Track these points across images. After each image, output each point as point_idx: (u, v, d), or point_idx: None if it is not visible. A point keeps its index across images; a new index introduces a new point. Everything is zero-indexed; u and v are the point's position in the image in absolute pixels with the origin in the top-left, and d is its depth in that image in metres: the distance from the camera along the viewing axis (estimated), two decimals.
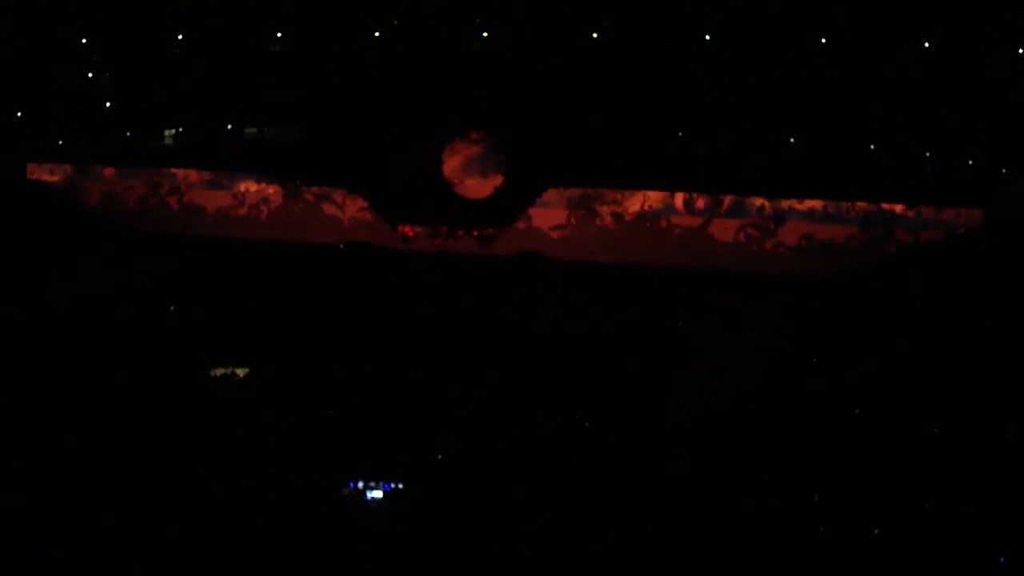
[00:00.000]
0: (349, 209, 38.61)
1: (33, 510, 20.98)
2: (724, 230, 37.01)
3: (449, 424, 25.11)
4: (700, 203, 37.08)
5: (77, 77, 40.42)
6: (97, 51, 40.40)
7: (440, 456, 24.03)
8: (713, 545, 20.48)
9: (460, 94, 37.39)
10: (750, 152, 37.34)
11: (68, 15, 39.82)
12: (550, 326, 31.60)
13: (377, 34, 38.70)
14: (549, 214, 37.72)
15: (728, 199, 36.90)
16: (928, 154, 37.19)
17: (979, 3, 36.08)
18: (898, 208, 35.99)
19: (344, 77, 38.26)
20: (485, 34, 38.51)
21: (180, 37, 39.80)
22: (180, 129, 40.84)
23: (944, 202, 35.68)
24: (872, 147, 37.12)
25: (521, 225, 37.68)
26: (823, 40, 37.19)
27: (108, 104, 40.33)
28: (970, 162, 36.81)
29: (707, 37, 37.57)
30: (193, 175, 39.73)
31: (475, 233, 37.40)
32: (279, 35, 39.77)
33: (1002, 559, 19.74)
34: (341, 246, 37.36)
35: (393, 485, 22.76)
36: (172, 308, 32.61)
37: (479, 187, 37.50)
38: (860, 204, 36.18)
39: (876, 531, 20.90)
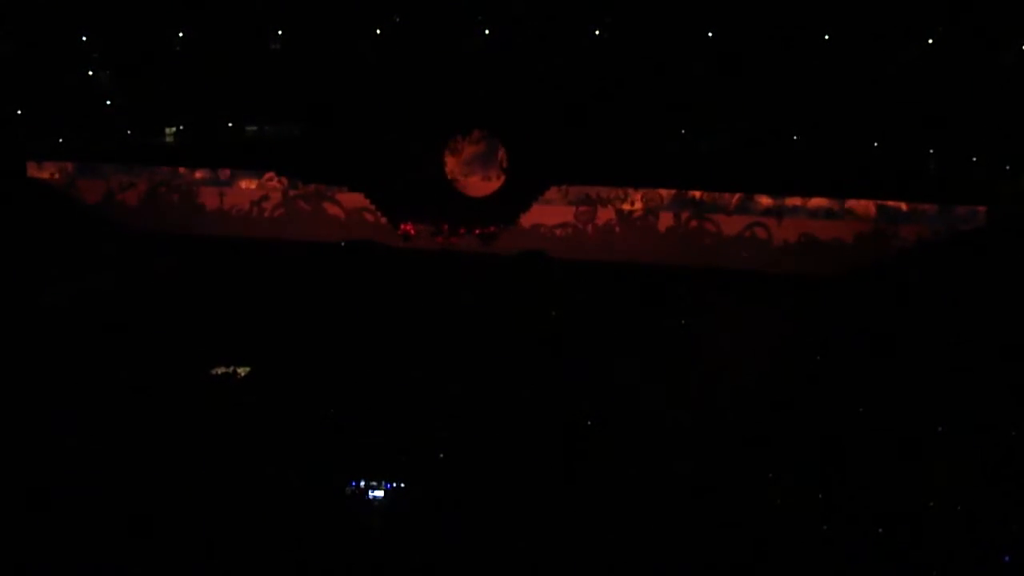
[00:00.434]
0: (350, 207, 38.56)
1: (33, 510, 20.98)
2: (726, 228, 36.98)
3: (451, 423, 25.10)
4: (702, 201, 37.01)
5: (77, 75, 40.37)
6: (97, 49, 40.36)
7: (442, 455, 24.02)
8: (715, 544, 20.48)
9: (462, 92, 37.36)
10: (752, 150, 37.30)
11: (68, 13, 39.76)
12: (552, 324, 31.58)
13: (379, 32, 38.65)
14: (551, 212, 37.68)
15: (730, 197, 36.85)
16: (932, 151, 37.12)
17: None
18: (902, 206, 35.94)
19: (346, 75, 38.23)
20: (487, 32, 38.47)
21: (181, 35, 39.77)
22: (181, 127, 40.79)
23: (948, 200, 35.62)
24: (875, 144, 37.06)
25: (523, 223, 37.64)
26: (825, 37, 37.13)
27: (108, 102, 40.28)
28: (974, 159, 36.75)
29: (709, 35, 37.51)
30: (194, 173, 39.68)
31: (477, 231, 37.37)
32: (280, 33, 39.73)
33: (1007, 558, 19.72)
34: (342, 244, 37.32)
35: (394, 484, 22.75)
36: (173, 307, 32.59)
37: (481, 185, 37.48)
38: (863, 202, 36.13)
39: (880, 530, 20.88)
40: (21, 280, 33.32)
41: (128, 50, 39.97)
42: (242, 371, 28.27)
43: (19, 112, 39.87)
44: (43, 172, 39.97)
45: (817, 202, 36.45)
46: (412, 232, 37.59)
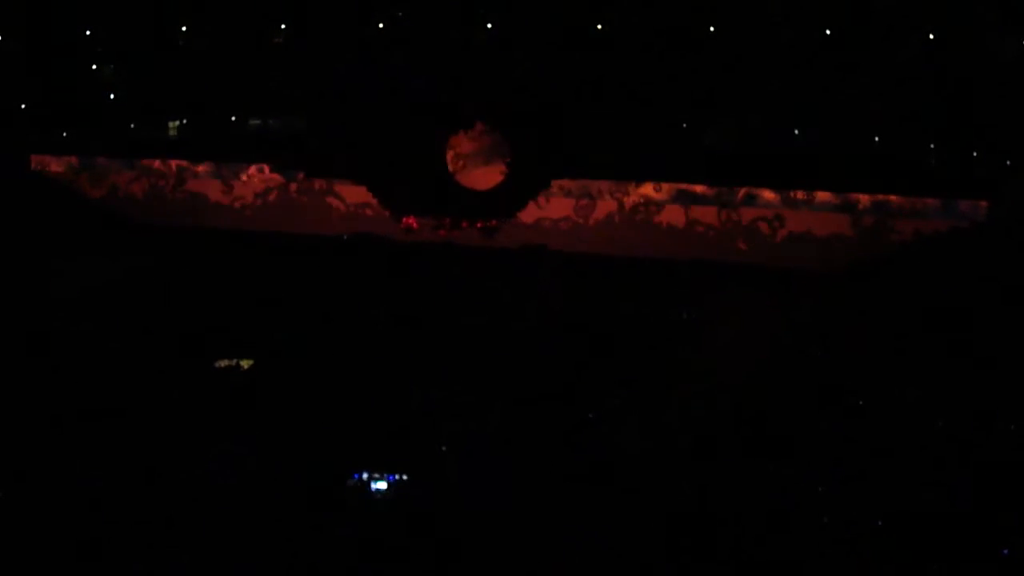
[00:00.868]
0: (353, 200, 38.55)
1: (36, 503, 21.05)
2: (728, 222, 36.94)
3: (453, 416, 25.16)
4: (704, 195, 36.98)
5: (80, 69, 40.34)
6: (101, 43, 40.33)
7: (444, 448, 24.09)
8: (716, 538, 20.54)
9: (464, 86, 37.30)
10: (754, 144, 37.24)
11: (71, 7, 39.74)
12: (554, 318, 31.63)
13: (381, 26, 38.62)
14: (553, 206, 37.61)
15: (732, 191, 36.80)
16: (934, 146, 37.06)
17: None
18: (904, 201, 35.87)
19: (348, 69, 38.18)
20: (489, 25, 38.42)
21: (184, 29, 39.75)
22: (184, 121, 40.75)
23: (950, 194, 35.56)
24: (877, 138, 37.00)
25: (525, 217, 37.60)
26: (826, 30, 37.06)
27: (112, 96, 40.26)
28: (975, 153, 36.69)
29: (711, 29, 37.46)
30: (197, 167, 39.66)
31: (479, 225, 37.32)
32: (283, 27, 39.69)
33: (1005, 551, 19.79)
34: (345, 237, 37.36)
35: (397, 476, 22.81)
36: (176, 299, 32.65)
37: (483, 179, 37.41)
38: (864, 196, 36.06)
39: (879, 523, 20.95)
40: (25, 273, 33.39)
41: (131, 44, 39.94)
42: (245, 364, 28.36)
43: (22, 106, 39.86)
44: (47, 166, 39.98)
45: (819, 196, 36.40)
46: (414, 226, 37.57)
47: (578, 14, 37.87)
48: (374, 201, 38.33)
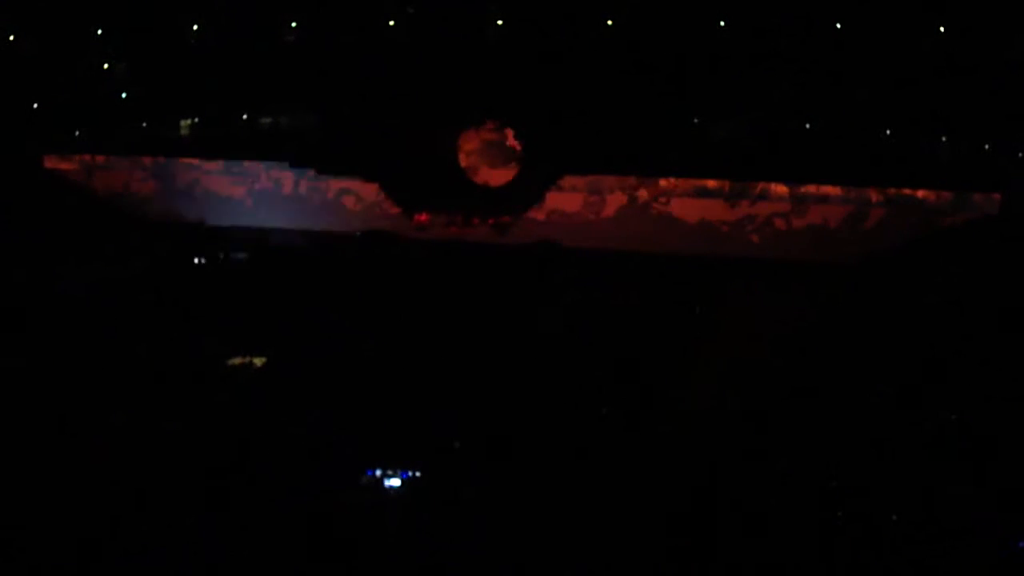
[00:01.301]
0: (364, 197, 38.60)
1: (49, 498, 21.12)
2: (740, 216, 36.92)
3: (467, 412, 25.17)
4: (717, 189, 36.96)
5: (93, 68, 40.46)
6: (113, 42, 40.44)
7: (458, 444, 24.11)
8: (731, 530, 20.55)
9: (475, 82, 37.33)
10: (767, 137, 37.20)
11: (84, 6, 39.86)
12: (566, 314, 31.63)
13: (392, 23, 38.66)
14: (564, 202, 37.64)
15: (744, 185, 36.78)
16: (947, 138, 36.98)
17: None
18: (917, 193, 35.81)
19: (359, 66, 38.23)
20: (500, 22, 38.43)
21: (195, 27, 39.83)
22: (196, 119, 40.84)
23: (962, 187, 35.50)
24: (890, 131, 36.94)
25: (536, 213, 37.62)
26: (839, 24, 37.01)
27: (124, 95, 40.38)
28: (987, 146, 36.61)
29: (722, 23, 37.42)
30: (208, 164, 39.75)
31: (490, 221, 37.35)
32: (294, 24, 39.76)
33: (1021, 544, 19.76)
34: (357, 234, 37.42)
35: (411, 473, 22.84)
36: (188, 297, 32.72)
37: (494, 175, 37.44)
38: (877, 190, 36.02)
39: (894, 517, 20.93)
40: (39, 270, 33.50)
41: (143, 42, 40.04)
42: (258, 361, 28.40)
43: (36, 105, 39.99)
44: (60, 164, 40.10)
45: (832, 190, 36.36)
46: (426, 222, 37.61)
47: (587, 11, 37.89)
48: (386, 198, 38.42)
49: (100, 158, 40.06)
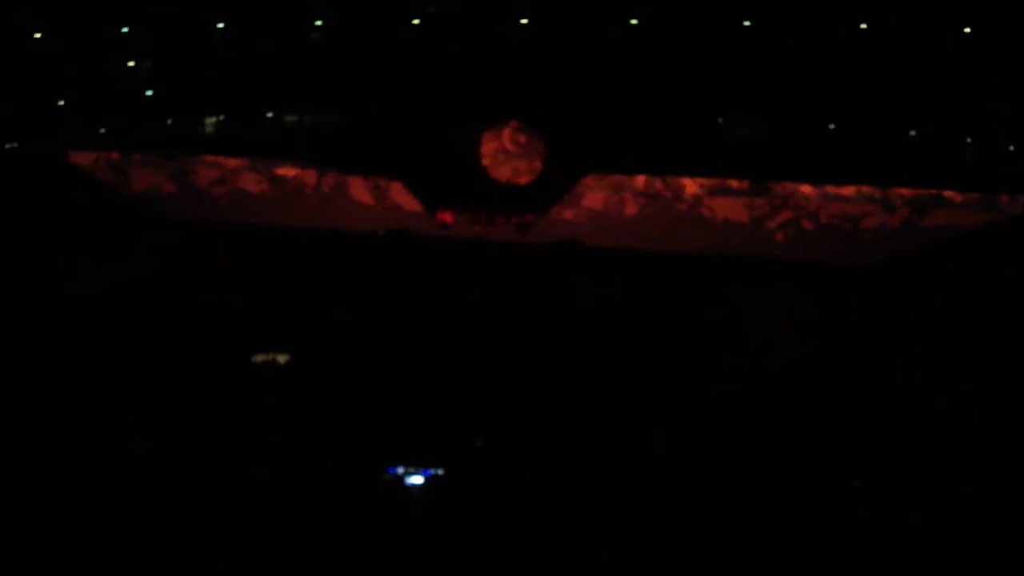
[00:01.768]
0: (388, 196, 38.68)
1: (65, 496, 21.22)
2: (765, 216, 36.85)
3: (489, 411, 25.21)
4: (740, 189, 36.88)
5: (118, 65, 40.64)
6: (138, 38, 40.61)
7: (480, 443, 24.14)
8: (753, 530, 20.53)
9: (499, 81, 37.34)
10: (791, 137, 37.10)
11: (110, 3, 40.03)
12: (589, 313, 31.65)
13: (416, 22, 38.71)
14: (588, 201, 37.65)
15: (769, 184, 36.69)
16: (973, 138, 36.81)
17: None
18: (943, 193, 35.66)
19: (383, 65, 38.29)
20: (524, 21, 38.42)
21: (221, 25, 39.96)
22: (219, 117, 40.98)
23: (988, 187, 35.33)
24: (914, 132, 36.80)
25: (560, 212, 37.62)
26: (863, 24, 36.88)
27: (149, 92, 40.55)
28: (1013, 147, 36.43)
29: (746, 24, 37.34)
30: (233, 162, 39.89)
31: (514, 220, 37.37)
32: (320, 23, 39.85)
33: None
34: (380, 233, 37.49)
35: (433, 471, 22.87)
36: (212, 294, 32.85)
37: (518, 174, 37.46)
38: (903, 190, 35.89)
39: (913, 517, 20.89)
40: (62, 266, 33.67)
41: (169, 39, 40.20)
42: (282, 358, 28.49)
43: (61, 101, 40.20)
44: (84, 160, 40.30)
45: (856, 190, 36.25)
46: (449, 221, 37.66)
47: (612, 10, 37.84)
48: (409, 197, 38.48)
49: (124, 155, 40.27)
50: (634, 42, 37.71)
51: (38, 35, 39.58)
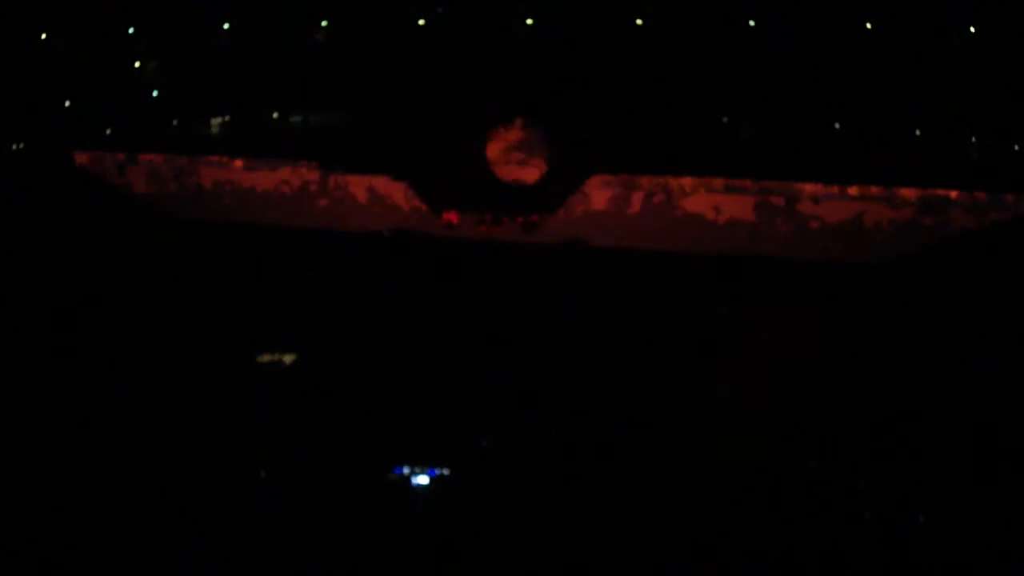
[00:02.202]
0: (393, 196, 38.67)
1: (77, 493, 21.25)
2: (770, 215, 36.80)
3: (495, 411, 25.20)
4: (746, 188, 36.84)
5: (124, 66, 40.68)
6: (144, 40, 40.65)
7: (485, 443, 24.14)
8: (759, 530, 20.51)
9: (504, 81, 37.33)
10: (797, 137, 37.08)
11: (115, 3, 40.07)
12: (595, 313, 31.62)
13: (422, 21, 38.72)
14: (594, 201, 37.61)
15: (773, 184, 36.65)
16: (980, 137, 36.75)
17: None
18: (950, 193, 35.60)
19: (388, 65, 38.30)
20: (529, 21, 38.42)
21: (226, 26, 39.99)
22: (225, 117, 41.00)
23: (994, 187, 35.27)
24: (920, 131, 36.76)
25: (565, 212, 37.60)
26: (868, 24, 36.85)
27: (155, 93, 40.57)
28: (1017, 147, 36.38)
29: (752, 22, 37.32)
30: (239, 163, 39.90)
31: (519, 220, 37.34)
32: (324, 23, 39.88)
33: None
34: (385, 233, 37.48)
35: (439, 471, 22.88)
36: (217, 294, 32.85)
37: (523, 174, 37.42)
38: (910, 189, 35.84)
39: (921, 518, 20.87)
40: (68, 268, 33.69)
41: (174, 40, 40.24)
42: (288, 358, 28.51)
43: (67, 103, 40.24)
44: (90, 161, 40.34)
45: (861, 189, 36.19)
46: (455, 221, 37.64)
47: (618, 10, 37.83)
48: (415, 197, 38.47)
49: (130, 156, 40.28)
50: (640, 41, 37.71)
51: (43, 35, 39.64)
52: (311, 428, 24.33)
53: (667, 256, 35.66)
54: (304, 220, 38.67)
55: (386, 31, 38.93)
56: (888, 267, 34.60)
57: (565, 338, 29.80)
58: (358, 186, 39.00)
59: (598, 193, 37.58)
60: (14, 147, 39.30)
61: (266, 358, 28.46)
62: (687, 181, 37.12)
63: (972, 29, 36.24)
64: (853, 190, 36.29)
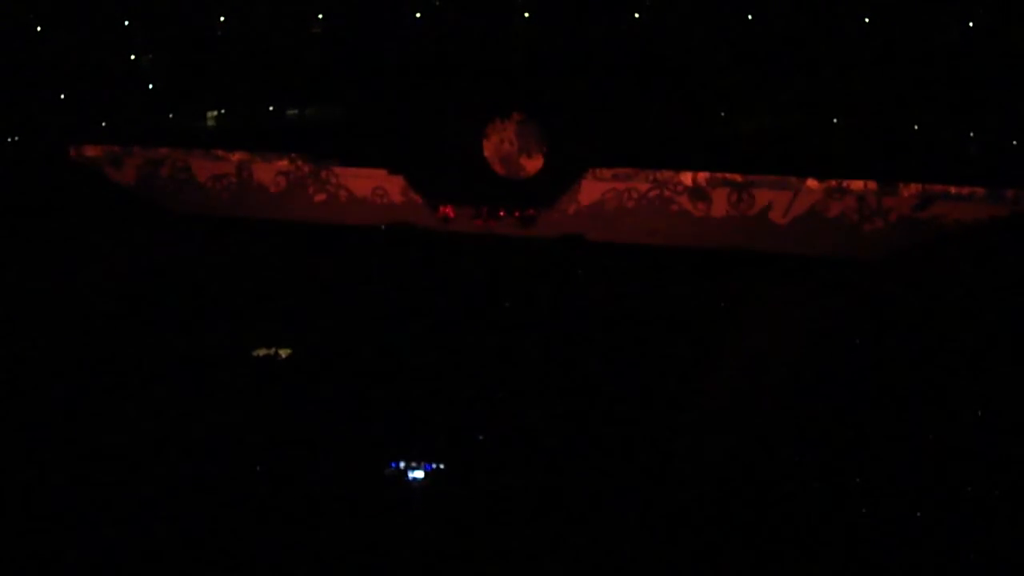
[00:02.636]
0: (390, 190, 38.60)
1: (70, 491, 21.22)
2: (768, 211, 36.75)
3: (490, 405, 25.18)
4: (744, 183, 36.77)
5: (119, 59, 40.63)
6: (140, 33, 40.61)
7: (481, 437, 24.12)
8: (756, 526, 20.48)
9: (501, 75, 37.28)
10: (796, 131, 37.06)
11: None
12: (592, 308, 31.58)
13: (419, 15, 38.69)
14: (590, 195, 37.53)
15: (772, 179, 36.59)
16: (979, 132, 36.73)
17: None
18: (949, 188, 35.52)
19: (385, 58, 38.26)
20: (527, 15, 38.40)
21: (222, 19, 39.96)
22: (221, 110, 40.96)
23: (994, 182, 35.21)
24: (919, 126, 36.74)
25: (562, 206, 37.53)
26: (867, 19, 36.84)
27: (151, 86, 40.53)
28: (1016, 142, 36.36)
29: (749, 17, 37.30)
30: (233, 155, 39.81)
31: (516, 214, 37.26)
32: (321, 16, 39.85)
33: None
34: (382, 227, 37.41)
35: (435, 466, 22.86)
36: (214, 289, 32.82)
37: (520, 168, 37.35)
38: (909, 184, 35.77)
39: (918, 514, 20.84)
40: (63, 261, 33.65)
41: (170, 33, 40.20)
42: (284, 353, 28.48)
43: (62, 95, 40.19)
44: (85, 155, 40.26)
45: (860, 184, 36.12)
46: (451, 215, 37.57)
47: (615, 5, 37.82)
48: (411, 190, 38.41)
49: (125, 149, 40.22)
50: (638, 36, 37.69)
51: (39, 28, 39.61)
52: (307, 422, 24.29)
53: (664, 250, 35.61)
54: (300, 214, 38.59)
55: (383, 25, 38.90)
56: (885, 262, 34.55)
57: (562, 332, 29.75)
58: (355, 180, 38.93)
59: (595, 187, 37.53)
60: (9, 140, 39.27)
61: (262, 352, 28.43)
62: (685, 175, 37.06)
63: (971, 24, 36.23)
64: (853, 185, 36.23)
